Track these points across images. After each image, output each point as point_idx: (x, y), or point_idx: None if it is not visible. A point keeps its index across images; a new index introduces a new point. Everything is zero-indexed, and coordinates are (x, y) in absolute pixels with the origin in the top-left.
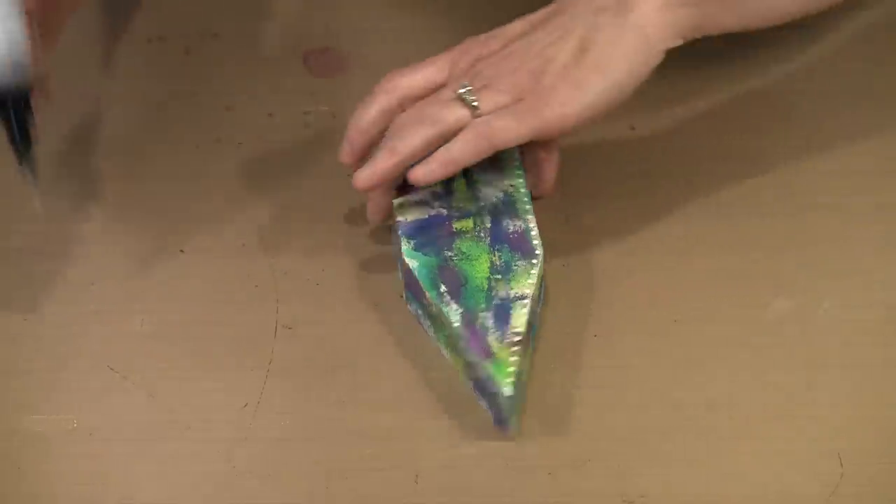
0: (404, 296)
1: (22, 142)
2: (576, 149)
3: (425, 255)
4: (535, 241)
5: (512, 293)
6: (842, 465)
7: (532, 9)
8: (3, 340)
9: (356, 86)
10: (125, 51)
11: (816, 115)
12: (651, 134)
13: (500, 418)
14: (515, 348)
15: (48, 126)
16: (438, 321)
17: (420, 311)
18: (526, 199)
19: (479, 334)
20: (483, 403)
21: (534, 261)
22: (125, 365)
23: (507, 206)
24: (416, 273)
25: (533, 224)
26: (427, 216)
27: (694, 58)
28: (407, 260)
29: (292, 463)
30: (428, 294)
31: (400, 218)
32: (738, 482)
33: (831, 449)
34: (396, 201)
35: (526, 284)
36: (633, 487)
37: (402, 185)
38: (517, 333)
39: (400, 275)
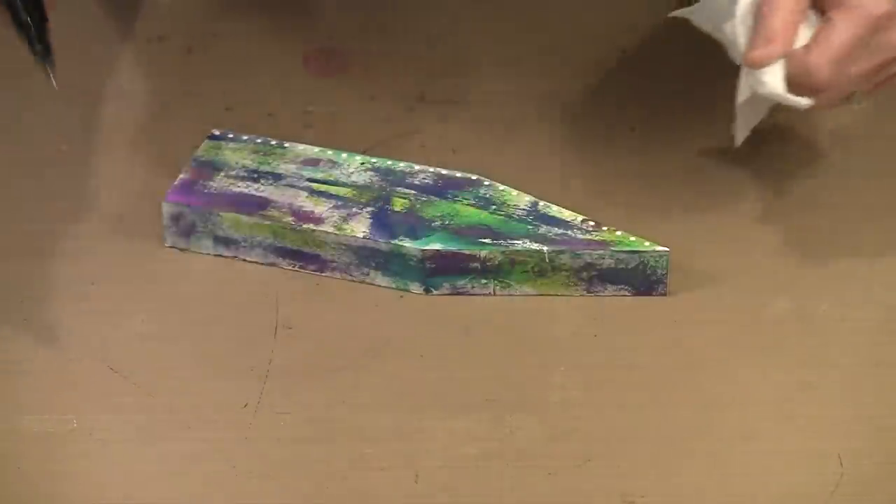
0: (424, 290)
1: (31, 20)
2: (575, 149)
3: (427, 237)
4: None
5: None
6: (842, 465)
7: (532, 8)
8: (3, 340)
9: (356, 86)
10: (125, 51)
11: (816, 115)
12: (651, 134)
13: (653, 281)
14: (598, 227)
15: (48, 125)
16: (507, 265)
17: (466, 283)
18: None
19: (575, 242)
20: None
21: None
22: (125, 365)
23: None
24: (452, 248)
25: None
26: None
27: (694, 58)
28: (434, 248)
29: (292, 463)
30: (482, 250)
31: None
32: (738, 482)
33: (831, 449)
34: None
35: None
36: (633, 487)
37: None
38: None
39: (418, 284)
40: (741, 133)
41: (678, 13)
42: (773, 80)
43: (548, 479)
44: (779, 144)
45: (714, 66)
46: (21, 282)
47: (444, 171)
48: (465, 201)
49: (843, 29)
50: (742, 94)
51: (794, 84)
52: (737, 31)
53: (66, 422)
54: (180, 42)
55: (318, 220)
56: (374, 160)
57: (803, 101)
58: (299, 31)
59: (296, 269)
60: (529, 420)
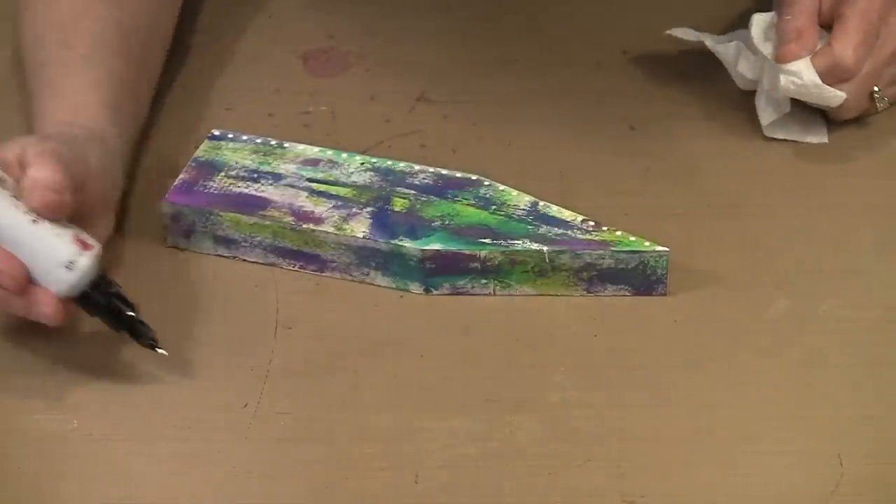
0: (424, 290)
1: (124, 319)
2: (575, 149)
3: (427, 237)
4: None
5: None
6: (842, 464)
7: (532, 8)
8: (4, 341)
9: (356, 86)
10: None
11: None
12: (651, 134)
13: (653, 281)
14: (598, 227)
15: None
16: (507, 265)
17: (466, 283)
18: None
19: (575, 242)
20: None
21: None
22: (125, 365)
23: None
24: (452, 248)
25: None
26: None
27: (693, 58)
28: (434, 248)
29: (292, 463)
30: (482, 251)
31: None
32: (738, 482)
33: (831, 449)
34: None
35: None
36: (633, 487)
37: None
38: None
39: (418, 284)
40: (768, 120)
41: (678, 32)
42: (809, 72)
43: (548, 479)
44: (778, 145)
45: (715, 66)
46: None
47: (444, 171)
48: (465, 201)
49: (856, 18)
50: (768, 104)
51: (825, 77)
52: (755, 41)
53: (66, 422)
54: (180, 42)
55: (318, 220)
56: (374, 160)
57: (838, 93)
58: (299, 31)
59: (296, 269)
60: (529, 420)
